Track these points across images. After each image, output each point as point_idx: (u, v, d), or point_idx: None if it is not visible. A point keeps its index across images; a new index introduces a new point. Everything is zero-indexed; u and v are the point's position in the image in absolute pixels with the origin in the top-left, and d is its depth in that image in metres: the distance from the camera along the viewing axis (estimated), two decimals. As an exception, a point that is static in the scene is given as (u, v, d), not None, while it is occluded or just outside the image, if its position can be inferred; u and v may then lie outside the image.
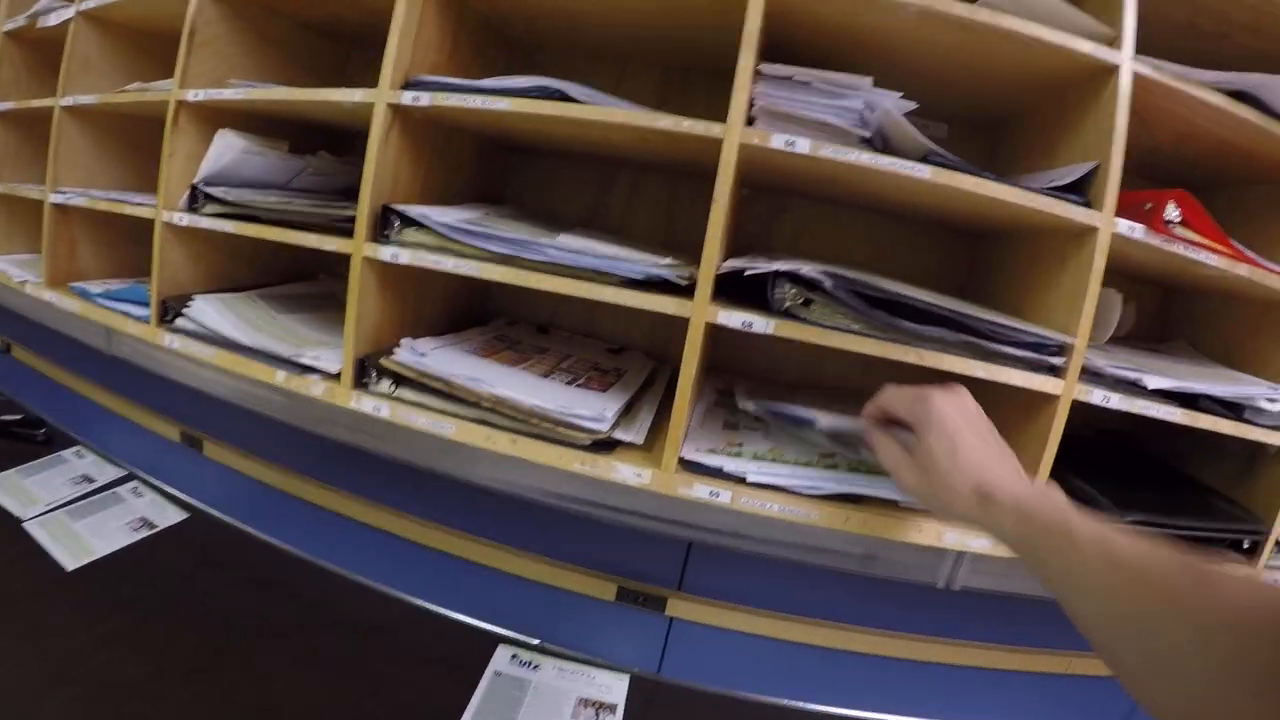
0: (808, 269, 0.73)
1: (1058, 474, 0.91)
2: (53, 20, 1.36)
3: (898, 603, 1.16)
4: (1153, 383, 0.84)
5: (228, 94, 1.04)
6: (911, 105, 0.80)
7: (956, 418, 0.66)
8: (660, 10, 0.93)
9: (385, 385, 0.87)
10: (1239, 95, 0.85)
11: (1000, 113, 1.07)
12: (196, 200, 1.05)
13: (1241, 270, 0.86)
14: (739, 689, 1.19)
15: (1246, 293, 0.97)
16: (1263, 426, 0.88)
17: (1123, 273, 1.06)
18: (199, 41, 1.08)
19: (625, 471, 0.78)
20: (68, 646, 1.03)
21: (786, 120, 0.78)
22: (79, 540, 1.31)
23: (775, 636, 1.18)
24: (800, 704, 1.19)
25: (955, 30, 0.81)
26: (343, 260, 0.88)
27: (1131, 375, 0.85)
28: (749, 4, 0.75)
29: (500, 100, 0.81)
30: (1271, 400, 0.88)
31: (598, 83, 0.86)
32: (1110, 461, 1.05)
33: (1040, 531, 0.57)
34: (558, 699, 1.10)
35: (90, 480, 1.53)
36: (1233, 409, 0.88)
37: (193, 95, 1.06)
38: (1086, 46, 0.79)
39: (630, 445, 0.83)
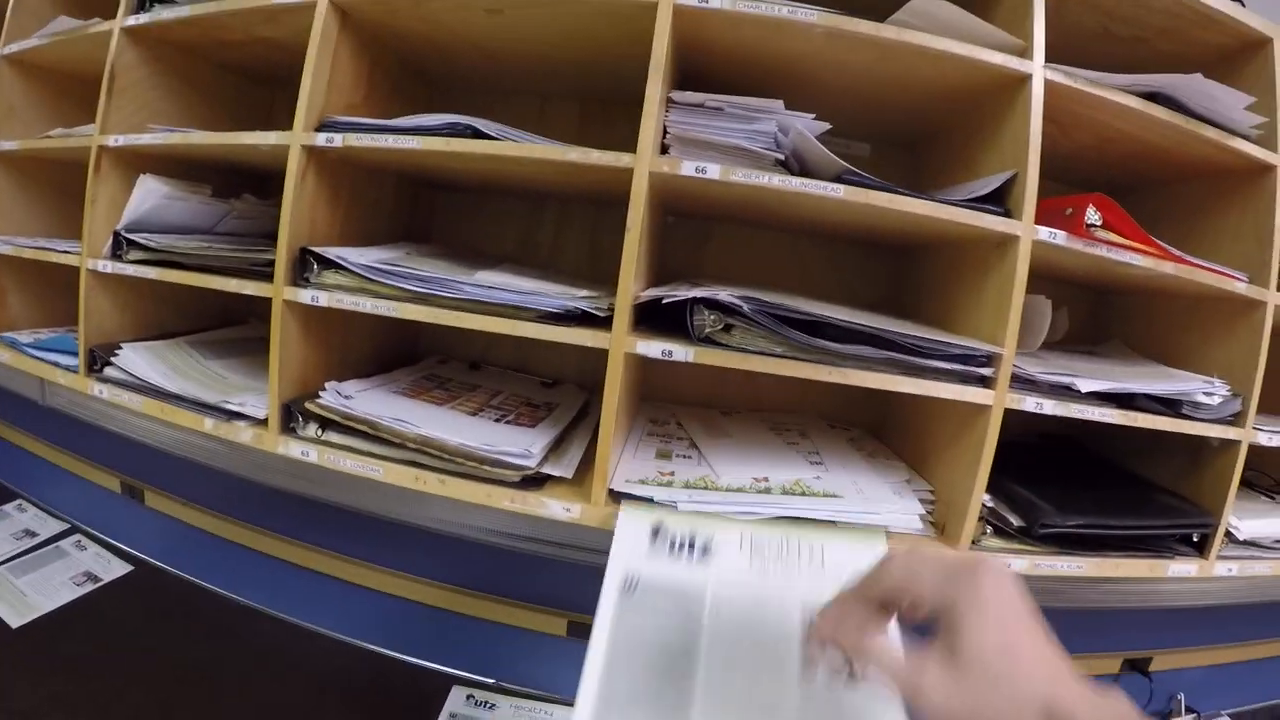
0: (725, 294, 0.73)
1: (997, 482, 0.91)
2: (-25, 67, 1.34)
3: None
4: (1086, 386, 0.85)
5: (147, 139, 1.02)
6: (824, 126, 0.81)
7: (1008, 606, 0.47)
8: (572, 45, 0.94)
9: (312, 430, 0.85)
10: (1154, 97, 0.87)
11: (920, 129, 1.08)
12: (120, 247, 1.03)
13: (1168, 268, 0.87)
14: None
15: (1175, 289, 0.98)
16: (1201, 420, 0.89)
17: (1051, 278, 1.07)
18: (119, 86, 1.06)
19: (554, 507, 0.77)
20: (13, 709, 1.00)
21: (700, 146, 0.79)
22: (23, 598, 1.28)
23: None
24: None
25: (865, 49, 0.81)
26: (269, 304, 0.87)
27: (1064, 380, 0.85)
28: (655, 34, 0.75)
29: (410, 139, 0.80)
30: (1208, 394, 0.90)
31: (519, 117, 0.86)
32: (1052, 466, 1.05)
33: None
34: (515, 736, 1.08)
35: (32, 534, 1.49)
36: (1170, 405, 0.89)
37: (114, 141, 1.04)
38: (997, 58, 0.80)
39: (559, 480, 0.82)
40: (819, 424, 1.12)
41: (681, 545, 0.84)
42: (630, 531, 0.83)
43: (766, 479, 0.83)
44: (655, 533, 0.83)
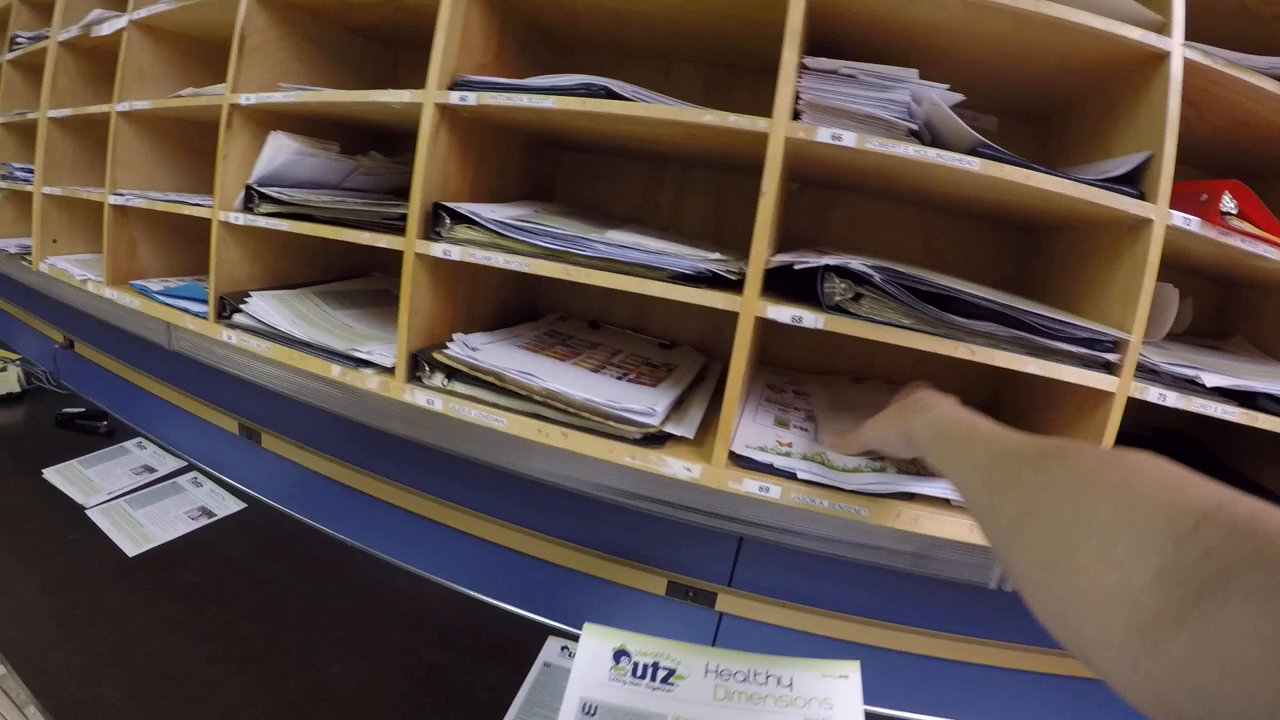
0: (857, 263, 0.73)
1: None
2: (106, 30, 1.41)
3: (949, 603, 1.14)
4: (1211, 380, 0.82)
5: (278, 97, 1.07)
6: (959, 97, 0.79)
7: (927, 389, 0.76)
8: (704, 8, 0.93)
9: (438, 379, 0.89)
10: (1296, 80, 0.83)
11: (1050, 104, 1.05)
12: (251, 200, 1.08)
13: (1302, 263, 0.83)
14: (786, 684, 1.19)
15: (1306, 286, 0.94)
16: (1323, 425, 0.85)
17: (1178, 267, 1.03)
18: (249, 48, 1.11)
19: (675, 465, 0.79)
20: (126, 630, 1.08)
21: (833, 114, 0.78)
22: (140, 528, 1.37)
23: (824, 634, 1.18)
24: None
25: (1001, 19, 0.79)
26: (396, 257, 0.90)
27: (1189, 372, 0.82)
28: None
29: (546, 99, 0.82)
30: (1333, 398, 0.86)
31: (643, 80, 0.86)
32: (1168, 461, 1.02)
33: (951, 428, 0.62)
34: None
35: (151, 470, 1.59)
36: (1291, 407, 0.86)
37: (245, 99, 1.09)
38: (1135, 33, 0.77)
39: (681, 439, 0.84)
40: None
41: (645, 672, 0.86)
42: (591, 654, 0.85)
43: (883, 457, 0.83)
44: (617, 657, 0.86)
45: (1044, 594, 0.41)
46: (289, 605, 1.21)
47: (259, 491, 1.54)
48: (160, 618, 1.12)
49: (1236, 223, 0.82)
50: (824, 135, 0.75)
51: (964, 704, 1.17)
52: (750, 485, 0.78)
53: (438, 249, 0.87)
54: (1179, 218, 0.78)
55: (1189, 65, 0.77)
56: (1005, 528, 0.46)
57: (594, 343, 1.08)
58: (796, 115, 0.79)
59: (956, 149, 0.77)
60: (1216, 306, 1.18)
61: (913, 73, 0.79)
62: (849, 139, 0.75)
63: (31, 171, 1.66)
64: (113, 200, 1.33)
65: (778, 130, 0.75)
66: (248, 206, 1.09)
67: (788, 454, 0.81)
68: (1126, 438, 0.83)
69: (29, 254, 1.64)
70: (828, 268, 0.75)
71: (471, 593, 1.32)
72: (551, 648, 1.17)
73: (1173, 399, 0.81)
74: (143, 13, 1.33)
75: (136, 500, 1.47)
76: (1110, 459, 0.42)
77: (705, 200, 1.23)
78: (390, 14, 1.13)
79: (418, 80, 0.89)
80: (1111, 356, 0.79)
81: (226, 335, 1.09)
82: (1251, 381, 0.84)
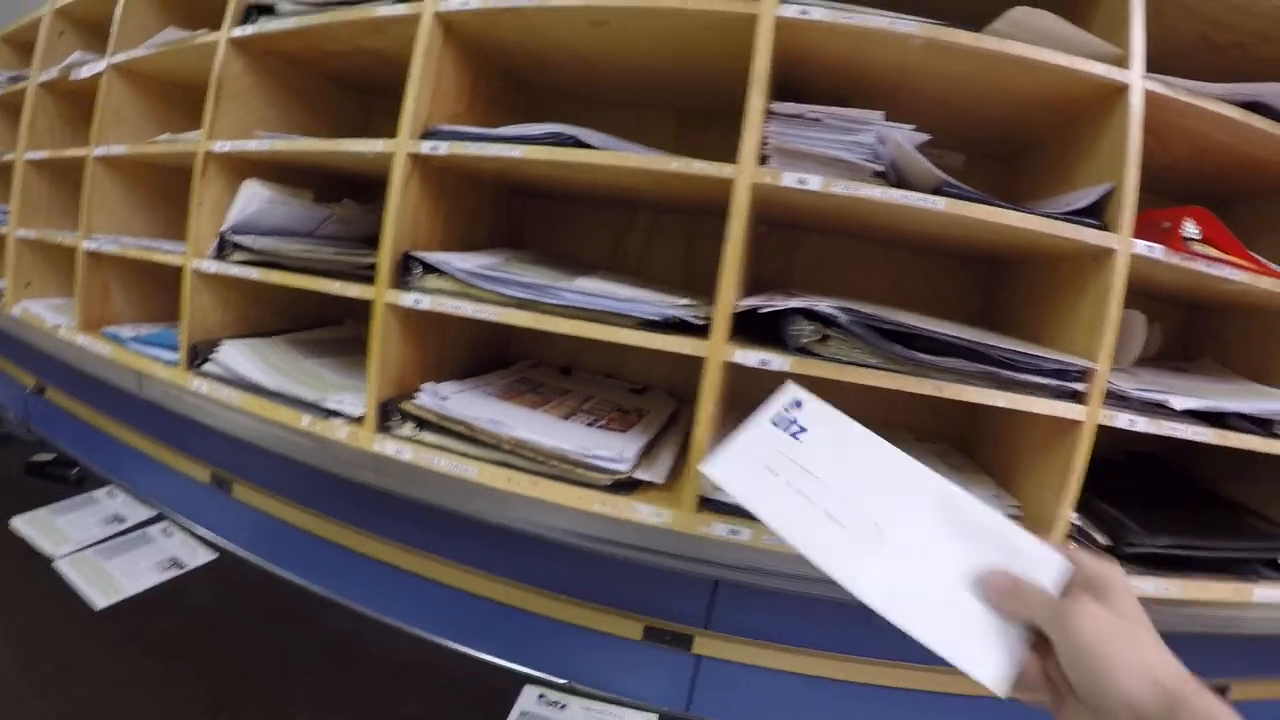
0: (823, 305, 0.74)
1: (1084, 499, 0.89)
2: (85, 73, 1.42)
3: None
4: (1179, 403, 0.83)
5: (253, 145, 1.07)
6: (924, 137, 0.80)
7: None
8: (672, 57, 0.95)
9: (408, 429, 0.88)
10: (1253, 106, 0.84)
11: (1016, 140, 1.07)
12: (224, 248, 1.08)
13: (1265, 283, 0.84)
14: (768, 725, 1.17)
15: (1272, 306, 0.96)
16: (1293, 441, 0.86)
17: (1145, 293, 1.05)
18: (226, 94, 1.11)
19: (645, 511, 0.79)
20: (95, 683, 1.05)
21: (799, 157, 0.79)
22: (109, 579, 1.34)
23: (805, 673, 1.17)
24: (832, 740, 1.17)
25: (963, 59, 0.81)
26: (367, 306, 0.90)
27: (1157, 397, 0.84)
28: (757, 47, 0.76)
29: (515, 148, 0.83)
30: (1302, 414, 0.87)
31: (615, 128, 0.87)
32: (1139, 485, 1.03)
33: None
34: (585, 737, 1.09)
35: (121, 520, 1.56)
36: (1263, 425, 0.86)
37: (220, 146, 1.09)
38: (1096, 68, 0.79)
39: (650, 485, 0.83)
40: (905, 437, 1.11)
41: None
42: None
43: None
44: None
45: None
46: (260, 656, 1.18)
47: (230, 541, 1.51)
48: (130, 670, 1.10)
49: (1200, 247, 0.83)
50: (790, 180, 0.76)
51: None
52: (720, 529, 0.77)
53: (408, 298, 0.87)
54: (1142, 246, 0.79)
55: (1150, 96, 0.79)
56: None
57: (565, 389, 1.08)
58: (764, 160, 0.80)
59: (922, 188, 0.78)
60: (1184, 330, 1.19)
61: (878, 115, 0.80)
62: (815, 183, 0.76)
63: (6, 213, 1.65)
64: (87, 245, 1.32)
65: (744, 176, 0.76)
66: (221, 254, 1.08)
67: None
68: (1100, 463, 0.84)
69: (2, 297, 1.62)
70: (794, 310, 0.75)
71: (446, 642, 1.30)
72: (529, 695, 1.15)
73: (1142, 424, 0.81)
74: (122, 57, 1.33)
75: (106, 551, 1.43)
76: None
77: (675, 245, 1.24)
78: (366, 62, 1.14)
79: (392, 127, 0.90)
80: (1079, 386, 0.80)
81: (198, 384, 1.08)
82: (1220, 401, 0.86)
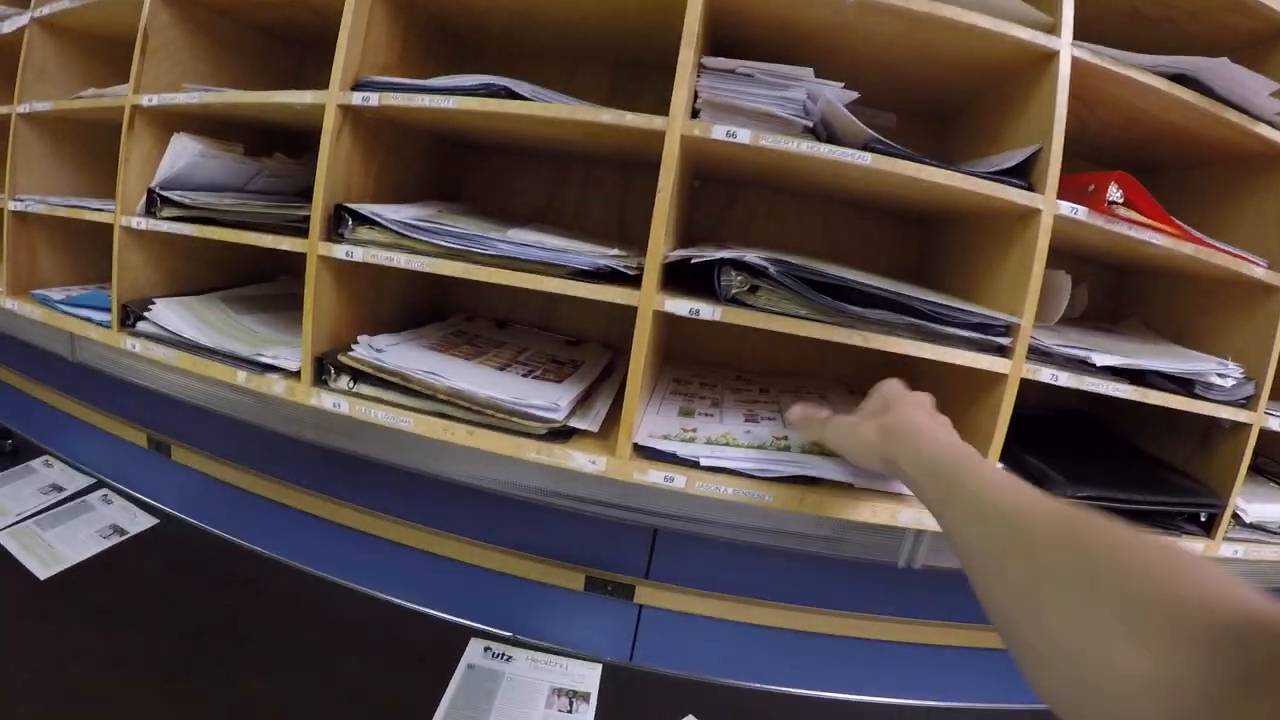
0: (752, 256, 0.75)
1: (1011, 452, 0.92)
2: (6, 28, 1.35)
3: (861, 584, 1.18)
4: (1101, 360, 0.86)
5: (182, 98, 1.04)
6: (853, 95, 0.82)
7: (899, 391, 0.74)
8: (605, 10, 0.94)
9: (344, 382, 0.87)
10: (1181, 79, 0.87)
11: (947, 101, 1.09)
12: (154, 204, 1.04)
13: (1187, 249, 0.88)
14: (710, 674, 1.21)
15: (1195, 271, 0.99)
16: (1214, 401, 0.90)
17: (1073, 255, 1.08)
18: (152, 47, 1.07)
19: (580, 459, 0.79)
20: (42, 656, 1.04)
21: (730, 112, 0.80)
22: (50, 549, 1.31)
23: (745, 621, 1.20)
24: (770, 687, 1.20)
25: (895, 20, 0.82)
26: (302, 260, 0.89)
27: (1080, 353, 0.87)
28: (688, 2, 0.76)
29: (446, 99, 0.82)
30: (1222, 375, 0.90)
31: (549, 80, 0.87)
32: (1066, 439, 1.07)
33: (946, 468, 0.60)
34: (531, 690, 1.11)
35: (59, 489, 1.53)
36: (1183, 385, 0.90)
37: (147, 100, 1.05)
38: (1025, 33, 0.81)
39: (585, 433, 0.84)
40: (839, 389, 1.13)
41: None
42: None
43: (786, 437, 0.85)
44: None
45: (1057, 673, 0.40)
46: (206, 621, 1.18)
47: (170, 506, 1.49)
48: (77, 642, 1.08)
49: (1123, 211, 0.86)
50: (719, 133, 0.76)
51: (878, 680, 1.21)
52: (655, 476, 0.79)
53: (340, 250, 0.86)
54: (1066, 207, 0.82)
55: (1078, 64, 0.81)
56: (1010, 596, 0.45)
57: (500, 341, 1.08)
58: (695, 114, 0.80)
59: (851, 145, 0.79)
60: (1112, 291, 1.24)
61: (808, 71, 0.81)
62: (744, 136, 0.76)
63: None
64: (12, 206, 1.27)
65: (674, 128, 0.76)
66: (150, 210, 1.05)
67: (691, 439, 0.82)
68: (1029, 419, 0.87)
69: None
70: (724, 260, 0.76)
71: (390, 598, 1.31)
72: (474, 649, 1.17)
73: (1065, 379, 0.85)
74: (45, 10, 1.27)
75: (45, 521, 1.40)
76: (1140, 545, 0.41)
77: (610, 198, 1.24)
78: (295, 13, 1.11)
79: (323, 79, 0.88)
80: (1004, 340, 0.82)
81: (130, 344, 1.06)
82: (1140, 360, 0.89)
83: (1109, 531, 0.44)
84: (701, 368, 1.19)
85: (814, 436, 0.81)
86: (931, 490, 0.60)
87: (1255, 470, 1.14)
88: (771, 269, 0.75)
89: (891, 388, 0.77)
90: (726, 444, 0.81)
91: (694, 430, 0.85)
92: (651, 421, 0.87)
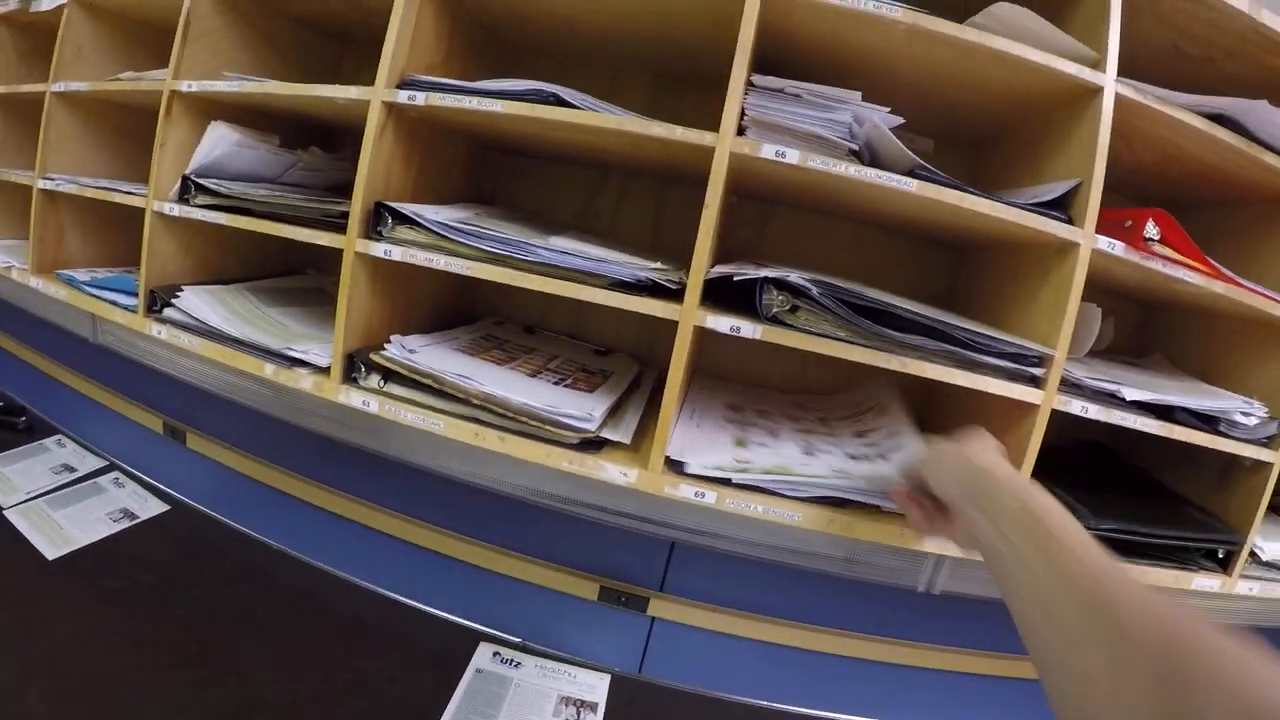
0: (795, 276, 0.75)
1: (1036, 481, 0.93)
2: (46, 5, 1.36)
3: (879, 607, 1.18)
4: (1130, 394, 0.87)
5: (221, 86, 1.04)
6: (899, 120, 0.82)
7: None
8: (655, 18, 0.94)
9: (374, 381, 0.87)
10: (1219, 119, 0.87)
11: (987, 129, 1.09)
12: (188, 191, 1.05)
13: (1218, 288, 0.88)
14: (719, 690, 1.20)
15: (1223, 309, 0.99)
16: (1237, 439, 0.90)
17: (1103, 288, 1.07)
18: (194, 33, 1.08)
19: (612, 471, 0.79)
20: (52, 638, 1.03)
21: (777, 131, 0.80)
22: (59, 530, 1.31)
23: (756, 638, 1.20)
24: (780, 706, 1.20)
25: (943, 48, 0.82)
26: (333, 255, 0.89)
27: (1110, 387, 0.87)
28: (743, 17, 0.76)
29: (495, 103, 0.82)
30: (1246, 414, 0.91)
31: (590, 87, 0.86)
32: (1089, 471, 1.07)
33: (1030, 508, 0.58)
34: (539, 697, 1.10)
35: (71, 470, 1.52)
36: (1208, 421, 0.91)
37: (186, 86, 1.06)
38: (1071, 68, 0.81)
39: (617, 445, 0.84)
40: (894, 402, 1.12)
41: None
42: None
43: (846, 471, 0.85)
44: None
45: None
46: (217, 611, 1.17)
47: (182, 493, 1.49)
48: (87, 624, 1.08)
49: (1159, 248, 0.86)
50: (768, 152, 0.77)
51: (892, 704, 1.20)
52: (686, 491, 0.79)
53: (379, 249, 0.86)
54: (1104, 242, 0.82)
55: (1120, 100, 0.82)
56: (1077, 679, 0.46)
57: (530, 348, 1.08)
58: (741, 131, 0.80)
59: (895, 170, 0.79)
60: (1138, 326, 1.24)
61: (855, 95, 0.81)
62: (793, 156, 0.76)
63: (-45, 150, 1.57)
64: (42, 184, 1.27)
65: (724, 145, 0.76)
66: (184, 197, 1.05)
67: (745, 469, 0.81)
68: (1052, 448, 0.87)
69: (-53, 236, 1.55)
70: (766, 280, 0.76)
71: (402, 598, 1.30)
72: (484, 653, 1.16)
73: (1094, 411, 0.85)
74: (85, -10, 1.28)
75: (56, 501, 1.40)
76: (1241, 667, 0.40)
77: (645, 209, 1.24)
78: (341, 8, 1.11)
79: (362, 76, 0.88)
80: (1037, 371, 0.82)
81: (156, 330, 1.06)
82: (1169, 396, 0.89)
83: (1204, 638, 0.42)
84: (744, 389, 1.19)
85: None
86: (1012, 537, 0.57)
87: (1273, 510, 1.15)
88: (814, 290, 0.75)
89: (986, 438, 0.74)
90: (782, 474, 0.81)
91: (748, 461, 0.84)
92: (688, 437, 0.86)
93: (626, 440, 0.84)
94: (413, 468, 1.27)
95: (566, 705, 1.10)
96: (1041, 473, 0.90)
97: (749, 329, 0.76)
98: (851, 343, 0.77)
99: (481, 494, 1.24)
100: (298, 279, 1.28)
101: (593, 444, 0.81)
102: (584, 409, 0.80)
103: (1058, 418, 0.83)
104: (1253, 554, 0.95)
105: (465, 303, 1.28)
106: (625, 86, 1.20)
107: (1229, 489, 0.98)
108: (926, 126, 1.12)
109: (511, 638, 1.22)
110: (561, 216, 1.26)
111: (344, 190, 0.89)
